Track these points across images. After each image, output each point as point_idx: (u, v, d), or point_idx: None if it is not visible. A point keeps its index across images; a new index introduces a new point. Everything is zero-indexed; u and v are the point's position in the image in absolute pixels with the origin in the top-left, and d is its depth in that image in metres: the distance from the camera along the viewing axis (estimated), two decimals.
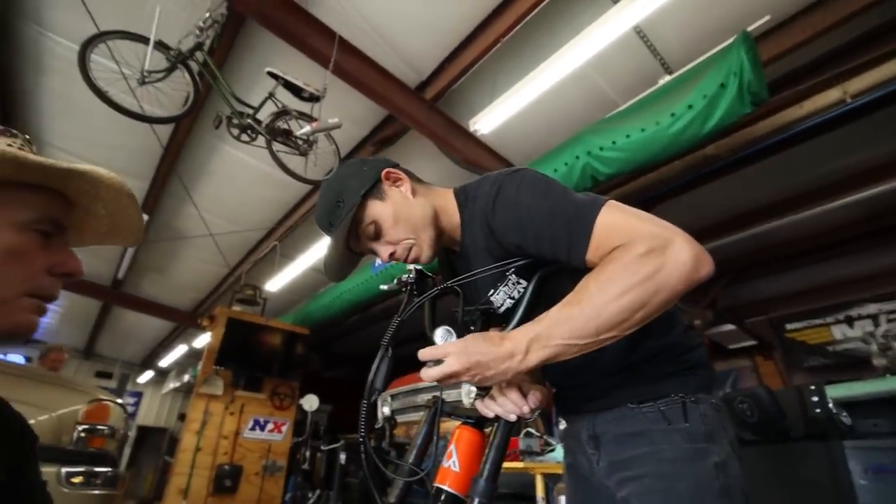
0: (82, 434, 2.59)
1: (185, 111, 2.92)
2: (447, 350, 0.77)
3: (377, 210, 0.97)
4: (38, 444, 0.69)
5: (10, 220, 0.55)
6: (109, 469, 2.67)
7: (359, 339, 7.63)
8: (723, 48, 2.58)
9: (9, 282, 0.54)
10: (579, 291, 0.75)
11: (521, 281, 0.93)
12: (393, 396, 4.86)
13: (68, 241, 0.64)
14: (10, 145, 0.55)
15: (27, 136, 0.60)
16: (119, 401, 2.95)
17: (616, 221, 0.78)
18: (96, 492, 2.57)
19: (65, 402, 2.59)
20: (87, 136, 4.27)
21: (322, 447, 5.40)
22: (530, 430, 2.97)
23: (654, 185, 3.61)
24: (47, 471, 2.37)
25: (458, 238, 1.01)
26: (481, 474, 0.85)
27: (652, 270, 0.71)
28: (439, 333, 0.83)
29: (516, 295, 0.95)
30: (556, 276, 0.92)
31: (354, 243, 1.01)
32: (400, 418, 4.80)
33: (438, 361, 0.78)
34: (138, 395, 12.93)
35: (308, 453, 5.60)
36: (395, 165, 1.03)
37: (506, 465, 0.89)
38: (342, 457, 4.40)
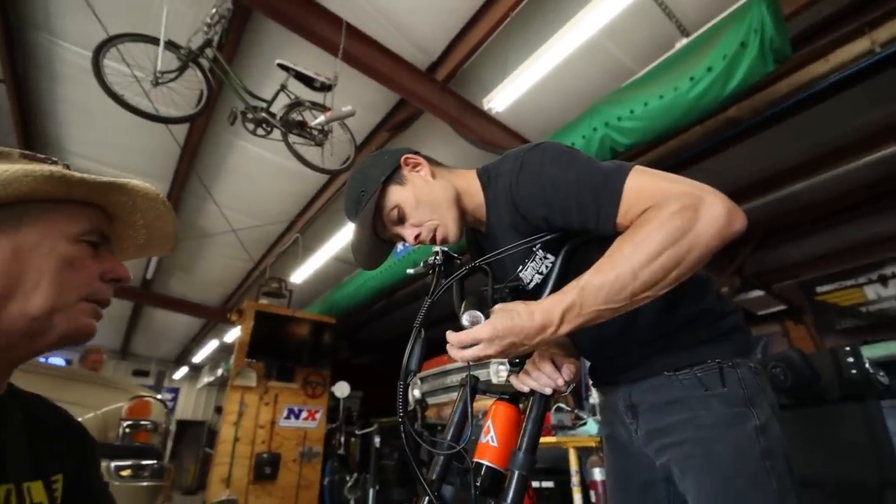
0: (127, 430, 2.69)
1: (199, 109, 2.94)
2: (478, 336, 0.77)
3: (398, 195, 0.98)
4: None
5: (64, 233, 0.60)
6: (155, 462, 2.78)
7: (385, 326, 7.73)
8: (742, 4, 2.46)
9: (68, 288, 0.59)
10: (613, 255, 0.74)
11: (549, 256, 0.93)
12: (422, 379, 4.93)
13: (113, 251, 0.69)
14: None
15: (66, 164, 0.64)
16: (158, 396, 3.07)
17: (645, 184, 0.77)
18: (145, 483, 2.69)
19: (108, 401, 2.69)
20: (104, 140, 4.35)
21: (356, 432, 5.53)
22: (561, 405, 3.00)
23: (674, 152, 3.52)
24: None
25: (484, 218, 1.01)
26: (520, 447, 0.86)
27: (685, 228, 0.70)
28: (466, 318, 0.82)
29: (544, 270, 0.94)
30: (584, 248, 0.91)
31: (381, 230, 1.02)
32: (430, 400, 4.89)
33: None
34: (175, 391, 13.41)
35: (343, 438, 5.76)
36: (416, 153, 1.04)
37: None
38: (376, 440, 4.50)
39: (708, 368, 0.86)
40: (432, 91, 3.40)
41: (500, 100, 3.20)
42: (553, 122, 3.72)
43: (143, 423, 2.75)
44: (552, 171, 0.85)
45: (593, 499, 2.53)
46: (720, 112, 3.07)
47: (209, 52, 2.78)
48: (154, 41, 2.60)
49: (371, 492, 4.33)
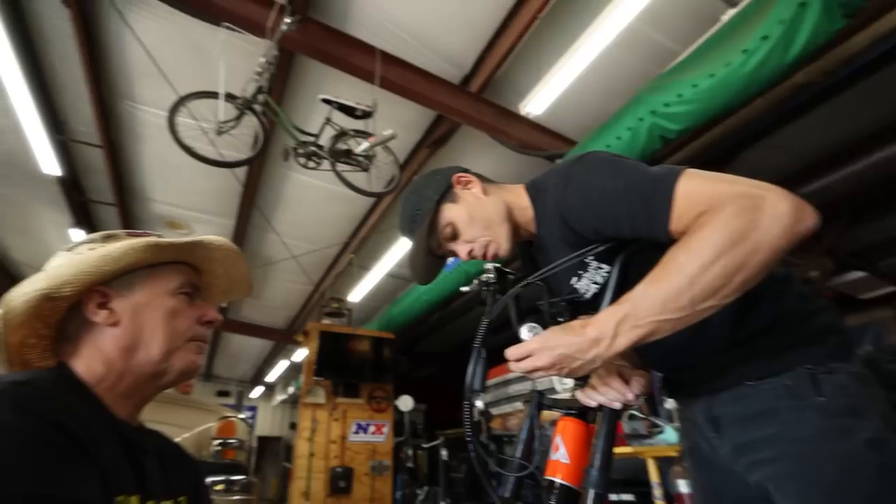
0: (217, 448, 2.91)
1: (257, 152, 3.17)
2: (529, 348, 0.78)
3: (452, 212, 1.00)
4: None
5: (166, 289, 0.74)
6: (243, 476, 2.97)
7: (442, 337, 7.77)
8: None
9: (176, 333, 0.73)
10: (667, 263, 0.71)
11: (603, 265, 0.91)
12: (485, 390, 4.91)
13: (204, 299, 0.83)
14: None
15: (159, 234, 0.77)
16: (242, 416, 3.27)
17: (697, 187, 0.73)
18: (236, 497, 2.88)
19: (200, 421, 2.93)
20: (180, 187, 4.82)
21: (423, 445, 5.58)
22: (634, 411, 2.85)
23: (734, 131, 3.27)
24: None
25: (535, 231, 1.00)
26: (592, 464, 0.83)
27: (746, 229, 0.65)
28: (524, 330, 0.84)
29: (600, 280, 0.92)
30: (641, 254, 0.87)
31: (435, 247, 1.04)
32: (494, 411, 4.85)
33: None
34: (253, 408, 14.17)
35: (410, 452, 5.83)
36: (465, 170, 1.06)
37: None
38: (444, 453, 4.51)
39: (797, 376, 0.78)
40: (467, 103, 3.43)
41: (536, 103, 3.17)
42: (596, 117, 3.61)
43: (230, 441, 2.96)
44: (598, 180, 0.83)
45: None
46: (784, 80, 2.80)
47: (261, 97, 2.98)
48: (215, 95, 2.83)
49: None
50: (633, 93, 3.10)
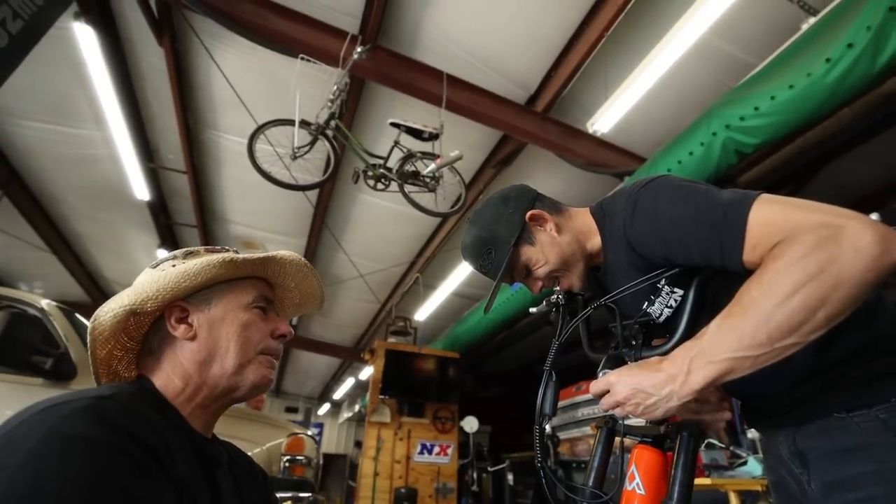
0: (286, 464, 3.01)
1: (329, 175, 3.36)
2: (609, 380, 0.80)
3: (528, 254, 1.00)
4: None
5: (240, 303, 0.76)
6: (310, 494, 3.05)
7: (508, 357, 7.67)
8: None
9: (248, 347, 0.74)
10: (741, 297, 0.68)
11: (676, 290, 0.88)
12: (556, 414, 4.78)
13: (277, 313, 0.84)
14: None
15: (235, 249, 0.81)
16: (310, 433, 3.39)
17: (773, 215, 0.70)
18: None
19: (270, 437, 3.05)
20: (256, 209, 5.20)
21: (488, 468, 5.47)
22: (712, 440, 2.65)
23: (817, 143, 3.06)
24: None
25: (601, 256, 1.00)
26: (671, 497, 0.80)
27: (824, 262, 0.62)
28: (601, 376, 0.85)
29: (673, 304, 0.90)
30: (716, 278, 0.85)
31: (506, 280, 1.05)
32: (562, 435, 4.69)
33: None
34: (320, 425, 14.63)
35: (475, 474, 5.72)
36: (534, 199, 1.03)
37: None
38: (510, 477, 4.41)
39: (893, 408, 0.72)
40: (533, 122, 3.46)
41: (604, 121, 3.13)
42: (666, 132, 3.50)
43: (298, 458, 3.05)
44: (667, 208, 0.81)
45: None
46: (873, 89, 2.62)
47: (333, 122, 3.19)
48: (291, 123, 3.06)
49: None
50: (705, 107, 2.99)
